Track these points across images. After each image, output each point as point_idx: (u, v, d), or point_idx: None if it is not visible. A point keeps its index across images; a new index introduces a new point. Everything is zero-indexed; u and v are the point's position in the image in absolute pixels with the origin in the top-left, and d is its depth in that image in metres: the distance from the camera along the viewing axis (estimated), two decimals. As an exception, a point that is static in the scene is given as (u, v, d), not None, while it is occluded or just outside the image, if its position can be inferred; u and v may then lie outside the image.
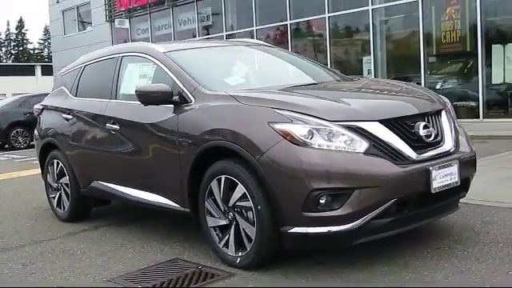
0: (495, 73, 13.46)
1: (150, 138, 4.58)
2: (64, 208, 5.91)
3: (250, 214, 3.82)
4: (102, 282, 4.01)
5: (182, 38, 20.43)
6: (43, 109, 6.34)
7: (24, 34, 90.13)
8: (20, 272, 4.38)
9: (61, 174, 5.90)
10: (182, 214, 4.46)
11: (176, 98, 4.33)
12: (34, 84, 50.69)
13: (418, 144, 3.75)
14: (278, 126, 3.64)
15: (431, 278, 3.55)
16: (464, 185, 4.07)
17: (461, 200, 4.33)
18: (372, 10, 15.34)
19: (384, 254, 4.00)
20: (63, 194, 5.91)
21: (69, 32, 28.59)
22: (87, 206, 5.87)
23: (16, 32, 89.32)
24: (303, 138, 3.56)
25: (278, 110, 3.72)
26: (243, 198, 3.83)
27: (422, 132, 3.77)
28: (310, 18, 17.13)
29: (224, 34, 19.49)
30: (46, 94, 6.94)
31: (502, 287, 3.38)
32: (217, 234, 4.11)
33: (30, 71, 58.19)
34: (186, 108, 4.28)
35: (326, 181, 3.50)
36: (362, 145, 3.57)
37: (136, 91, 4.41)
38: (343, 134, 3.58)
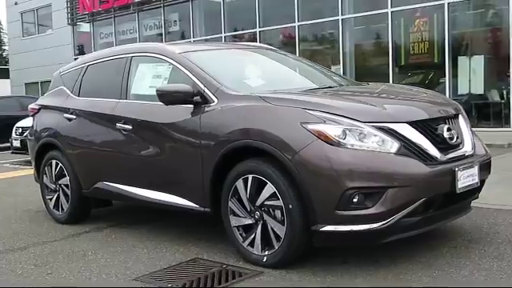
0: (461, 84, 13.94)
1: (168, 137, 4.57)
2: (62, 210, 5.81)
3: (278, 213, 3.87)
4: (127, 281, 3.97)
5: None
6: (40, 109, 6.22)
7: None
8: (35, 272, 4.29)
9: (60, 175, 5.80)
10: (200, 214, 4.46)
11: (197, 98, 4.35)
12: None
13: (443, 146, 3.90)
14: (311, 127, 3.71)
15: (457, 274, 3.68)
16: (479, 187, 4.23)
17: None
18: (342, 19, 15.65)
19: (405, 253, 4.11)
20: (62, 196, 5.81)
21: (27, 34, 27.96)
22: (87, 208, 5.78)
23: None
24: (337, 138, 3.64)
25: (309, 111, 3.79)
26: (272, 197, 3.88)
27: (445, 134, 3.92)
28: (280, 26, 17.31)
29: (191, 40, 19.46)
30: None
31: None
32: (240, 234, 4.14)
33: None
34: (208, 108, 4.30)
35: (361, 180, 3.59)
36: (394, 145, 3.68)
37: (157, 91, 4.41)
38: (375, 135, 3.68)
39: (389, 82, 14.60)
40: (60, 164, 5.76)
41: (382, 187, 3.60)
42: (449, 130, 3.95)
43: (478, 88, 13.78)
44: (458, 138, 4.05)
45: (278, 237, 3.89)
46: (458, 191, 3.84)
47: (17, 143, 11.92)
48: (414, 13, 14.38)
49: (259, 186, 3.95)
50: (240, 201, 4.10)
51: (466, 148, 4.09)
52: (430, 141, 3.83)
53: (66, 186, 5.73)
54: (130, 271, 4.16)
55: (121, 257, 4.53)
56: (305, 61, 5.78)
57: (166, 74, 4.86)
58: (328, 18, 15.97)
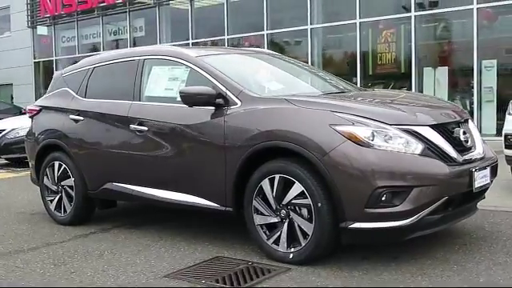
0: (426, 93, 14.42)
1: (188, 139, 4.66)
2: (65, 211, 5.79)
3: (305, 211, 4.03)
4: (156, 278, 4.03)
5: (112, 49, 20.10)
6: (40, 110, 6.18)
7: None
8: (57, 271, 4.29)
9: (63, 176, 5.78)
10: (221, 214, 4.57)
11: (219, 100, 4.47)
12: None
13: (459, 148, 4.15)
14: (340, 128, 3.89)
15: (476, 269, 3.91)
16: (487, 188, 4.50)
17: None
18: (311, 29, 15.96)
19: (420, 249, 4.33)
20: (64, 197, 5.79)
21: (-17, 36, 27.23)
22: (91, 209, 5.79)
23: None
24: (367, 140, 3.84)
25: (337, 113, 3.98)
26: (300, 195, 4.03)
27: (462, 137, 4.17)
28: (248, 34, 17.50)
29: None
30: None
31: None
32: (264, 232, 4.27)
33: None
34: (231, 110, 4.42)
35: (390, 179, 3.80)
36: (418, 147, 3.91)
37: (181, 92, 4.51)
38: (401, 137, 3.90)
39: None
40: (64, 165, 5.74)
41: (408, 186, 3.81)
42: (464, 133, 4.21)
43: (443, 98, 14.28)
44: (471, 140, 4.31)
45: (305, 234, 4.04)
46: (474, 190, 4.10)
47: None
48: (382, 24, 14.82)
49: (286, 186, 4.10)
50: (265, 200, 4.23)
51: (478, 150, 4.36)
52: (449, 143, 4.07)
53: (70, 187, 5.71)
54: (156, 269, 4.21)
55: (140, 256, 4.58)
56: (311, 67, 5.98)
57: (183, 76, 4.95)
58: (297, 27, 16.25)
